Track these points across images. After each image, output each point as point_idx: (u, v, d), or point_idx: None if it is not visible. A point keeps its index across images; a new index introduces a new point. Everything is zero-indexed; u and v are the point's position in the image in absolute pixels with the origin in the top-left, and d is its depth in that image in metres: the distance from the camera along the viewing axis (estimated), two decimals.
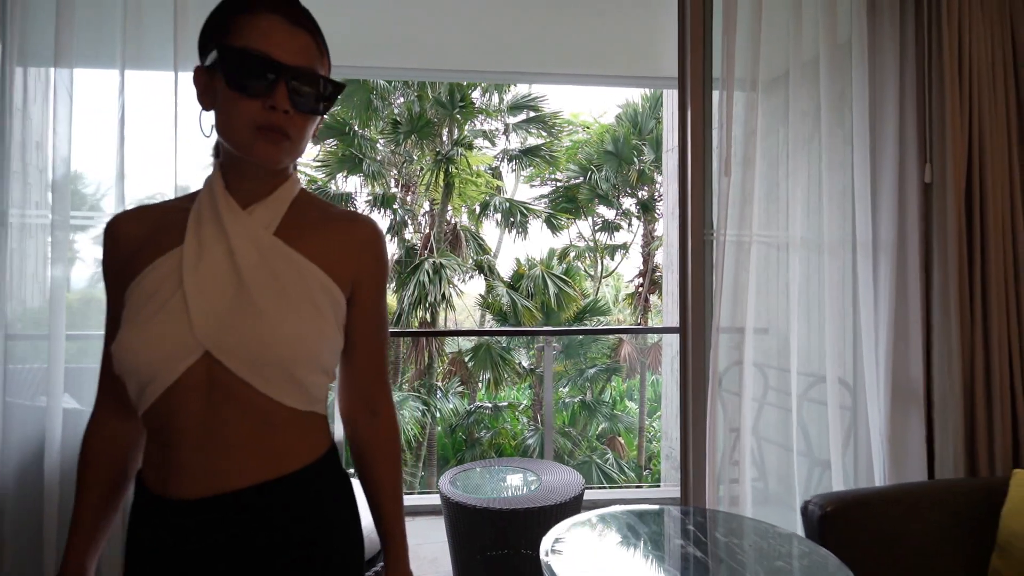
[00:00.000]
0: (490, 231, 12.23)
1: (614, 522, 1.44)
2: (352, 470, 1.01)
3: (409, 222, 10.97)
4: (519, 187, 13.48)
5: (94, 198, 1.56)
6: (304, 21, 0.79)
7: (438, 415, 9.55)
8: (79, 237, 1.52)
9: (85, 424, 0.86)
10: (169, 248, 0.78)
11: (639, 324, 12.31)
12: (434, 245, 10.41)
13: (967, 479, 1.68)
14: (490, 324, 11.03)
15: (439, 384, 9.95)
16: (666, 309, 8.75)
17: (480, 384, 10.30)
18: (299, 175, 0.89)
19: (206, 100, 0.80)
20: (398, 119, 10.35)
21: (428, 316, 9.70)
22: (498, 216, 11.35)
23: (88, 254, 1.55)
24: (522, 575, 2.40)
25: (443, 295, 9.56)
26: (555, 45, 3.24)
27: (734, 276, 1.75)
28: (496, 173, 11.85)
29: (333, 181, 10.58)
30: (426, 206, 11.19)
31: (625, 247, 12.98)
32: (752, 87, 1.79)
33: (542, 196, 12.45)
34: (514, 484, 2.65)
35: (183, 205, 0.82)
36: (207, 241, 0.78)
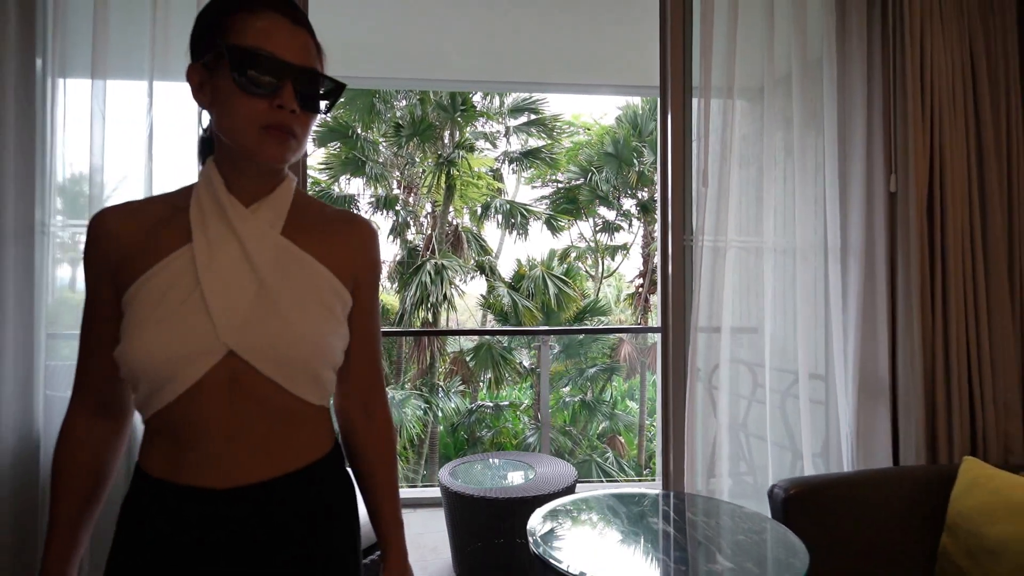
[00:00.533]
0: (491, 232, 12.36)
1: (596, 503, 1.57)
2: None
3: (411, 223, 11.12)
4: (520, 188, 13.62)
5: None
6: (303, 20, 0.80)
7: (440, 414, 9.69)
8: None
9: None
10: (174, 247, 0.77)
11: (639, 324, 12.43)
12: (436, 246, 10.55)
13: (925, 466, 1.81)
14: (491, 324, 11.16)
15: (441, 383, 10.09)
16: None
17: (481, 384, 10.43)
18: (307, 177, 0.98)
19: (202, 98, 0.80)
20: (400, 122, 10.50)
21: (430, 316, 9.84)
22: (499, 217, 11.50)
23: None
24: (517, 562, 2.54)
25: (445, 295, 9.70)
26: (552, 56, 3.38)
27: (711, 279, 1.88)
28: (497, 175, 11.98)
29: (336, 183, 10.74)
30: (428, 207, 11.33)
31: (625, 248, 13.10)
32: (729, 100, 1.92)
33: (543, 197, 12.58)
34: (510, 476, 2.78)
35: (174, 203, 0.81)
36: (216, 240, 0.77)
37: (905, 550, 1.60)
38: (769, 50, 1.96)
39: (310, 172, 10.73)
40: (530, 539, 1.32)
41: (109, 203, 1.58)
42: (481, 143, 11.51)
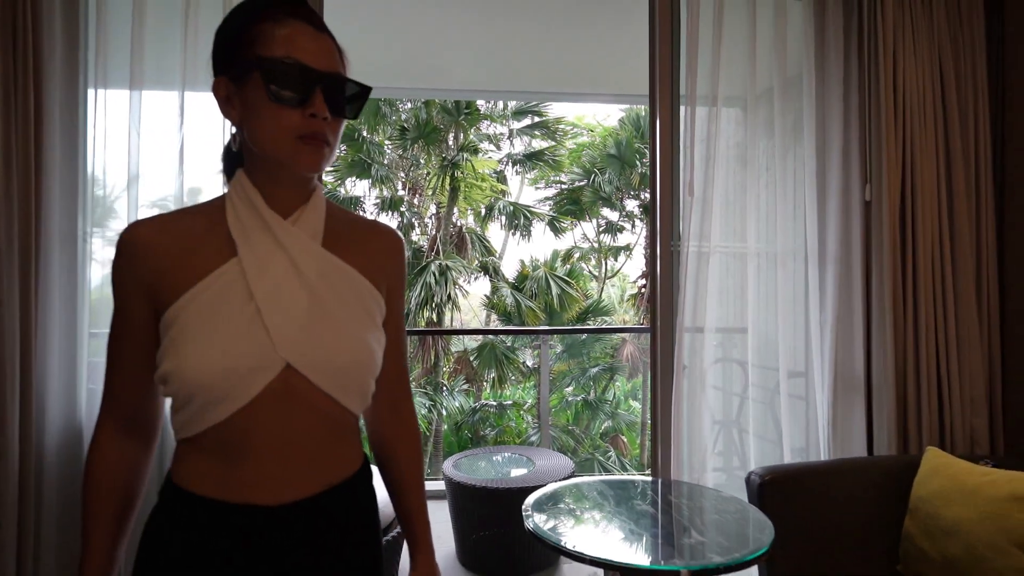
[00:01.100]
0: (495, 233, 12.52)
1: (588, 488, 1.72)
2: None
3: (416, 224, 11.28)
4: (524, 190, 13.76)
5: (161, 209, 1.81)
6: (324, 26, 0.81)
7: (444, 413, 9.84)
8: None
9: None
10: (218, 262, 0.76)
11: (642, 324, 12.55)
12: (440, 247, 10.71)
13: (894, 455, 1.94)
14: (495, 324, 11.31)
15: (445, 382, 10.25)
16: None
17: (485, 383, 10.58)
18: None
19: (231, 111, 0.80)
20: (405, 125, 10.66)
21: (434, 316, 10.00)
22: (503, 219, 11.65)
23: None
24: (517, 551, 2.68)
25: (449, 296, 9.86)
26: (551, 66, 3.53)
27: (696, 282, 2.02)
28: (501, 177, 12.13)
29: (343, 185, 10.91)
30: (432, 209, 11.50)
31: (628, 248, 13.22)
32: (714, 109, 2.05)
33: (546, 198, 12.72)
34: (511, 467, 2.93)
35: (205, 215, 0.80)
36: (264, 254, 0.77)
37: (873, 532, 1.74)
38: (752, 66, 2.09)
39: None
40: (525, 516, 1.46)
41: (144, 210, 1.73)
42: (485, 145, 11.67)
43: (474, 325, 12.91)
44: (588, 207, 12.50)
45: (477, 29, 3.11)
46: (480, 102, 11.04)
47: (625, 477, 1.84)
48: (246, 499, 0.75)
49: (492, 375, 10.12)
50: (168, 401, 0.81)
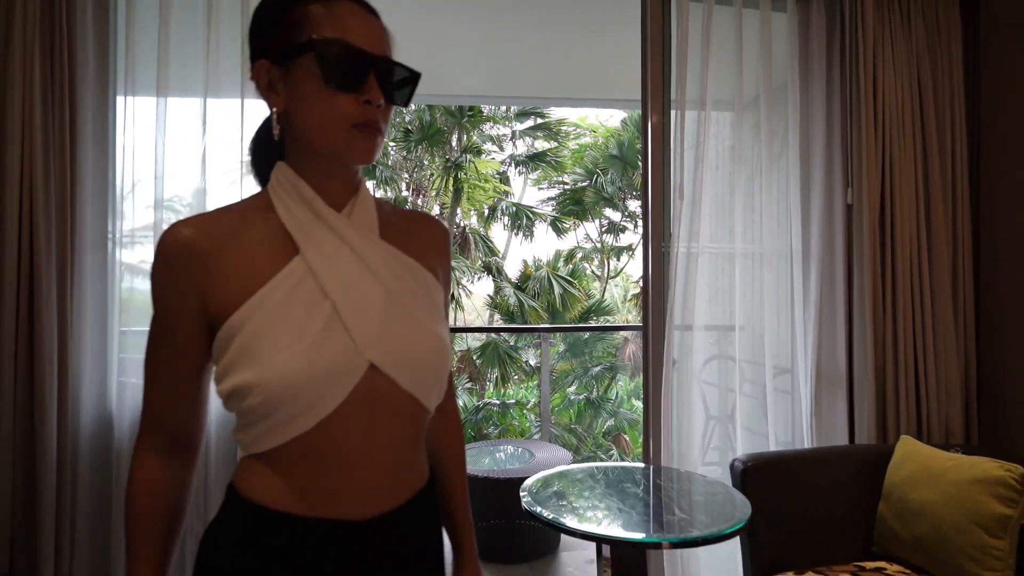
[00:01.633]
0: (498, 234, 12.64)
1: (582, 473, 1.84)
2: None
3: None
4: (527, 190, 13.89)
5: (186, 213, 1.92)
6: (372, 7, 0.75)
7: None
8: None
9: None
10: (280, 262, 0.71)
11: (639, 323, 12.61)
12: None
13: (871, 444, 2.05)
14: (498, 324, 11.43)
15: None
16: None
17: (488, 382, 10.70)
18: None
19: (274, 98, 0.74)
20: (409, 127, 10.80)
21: None
22: (506, 219, 11.78)
23: None
24: (517, 540, 2.81)
25: (452, 295, 9.99)
26: (550, 72, 3.65)
27: (685, 282, 2.13)
28: (504, 178, 12.26)
29: None
30: (436, 210, 11.63)
31: (631, 248, 13.33)
32: (703, 113, 2.16)
33: (549, 199, 12.84)
34: (512, 460, 3.05)
35: (250, 212, 0.75)
36: (327, 250, 0.72)
37: (851, 516, 1.85)
38: (739, 74, 2.20)
39: None
40: (522, 497, 1.58)
41: (169, 211, 1.85)
42: (488, 146, 11.81)
43: (478, 324, 13.04)
44: (590, 207, 12.61)
45: (479, 38, 3.23)
46: (483, 104, 11.17)
47: (617, 464, 1.96)
48: (331, 514, 0.70)
49: (495, 374, 10.24)
50: (210, 414, 0.78)
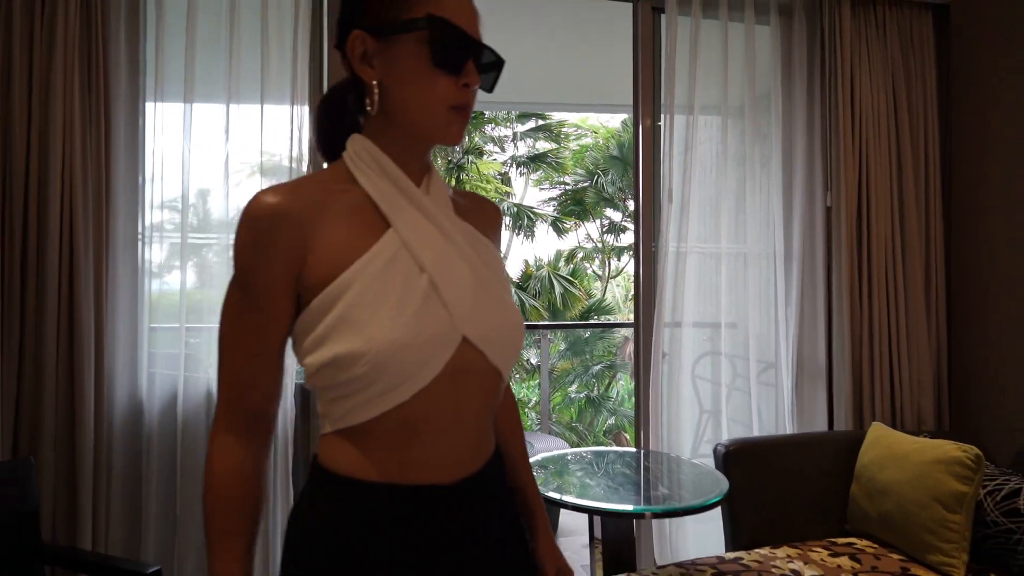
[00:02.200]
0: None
1: (577, 456, 1.98)
2: None
3: None
4: (528, 191, 14.03)
5: (208, 216, 2.04)
6: None
7: None
8: (198, 250, 2.03)
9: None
10: (373, 233, 0.71)
11: None
12: None
13: (847, 431, 2.19)
14: None
15: None
16: None
17: None
18: None
19: (367, 71, 0.73)
20: None
21: None
22: (507, 219, 11.93)
23: (202, 263, 2.04)
24: None
25: None
26: (548, 79, 3.79)
27: (674, 281, 2.27)
28: (505, 179, 12.40)
29: None
30: None
31: (631, 248, 13.43)
32: (691, 117, 2.30)
33: (550, 199, 12.98)
34: None
35: (331, 184, 0.74)
36: (416, 225, 0.73)
37: (827, 496, 1.99)
38: (725, 84, 2.34)
39: None
40: None
41: (200, 213, 1.98)
42: (490, 147, 11.95)
43: None
44: (591, 207, 12.74)
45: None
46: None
47: (609, 448, 2.11)
48: (421, 480, 0.72)
49: None
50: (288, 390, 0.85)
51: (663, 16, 2.32)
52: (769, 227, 2.40)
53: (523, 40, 3.24)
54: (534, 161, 12.03)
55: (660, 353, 2.27)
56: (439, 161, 11.39)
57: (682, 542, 2.22)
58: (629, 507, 1.50)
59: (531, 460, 1.93)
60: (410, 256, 0.71)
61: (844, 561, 1.72)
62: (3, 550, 1.47)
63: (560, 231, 12.29)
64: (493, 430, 0.82)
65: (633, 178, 2.44)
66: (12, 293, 1.70)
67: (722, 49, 2.33)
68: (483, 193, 10.11)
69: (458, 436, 0.74)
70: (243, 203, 0.72)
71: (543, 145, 12.19)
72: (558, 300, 10.84)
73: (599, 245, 13.46)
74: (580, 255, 13.25)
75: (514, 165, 12.19)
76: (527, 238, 11.98)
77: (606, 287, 13.76)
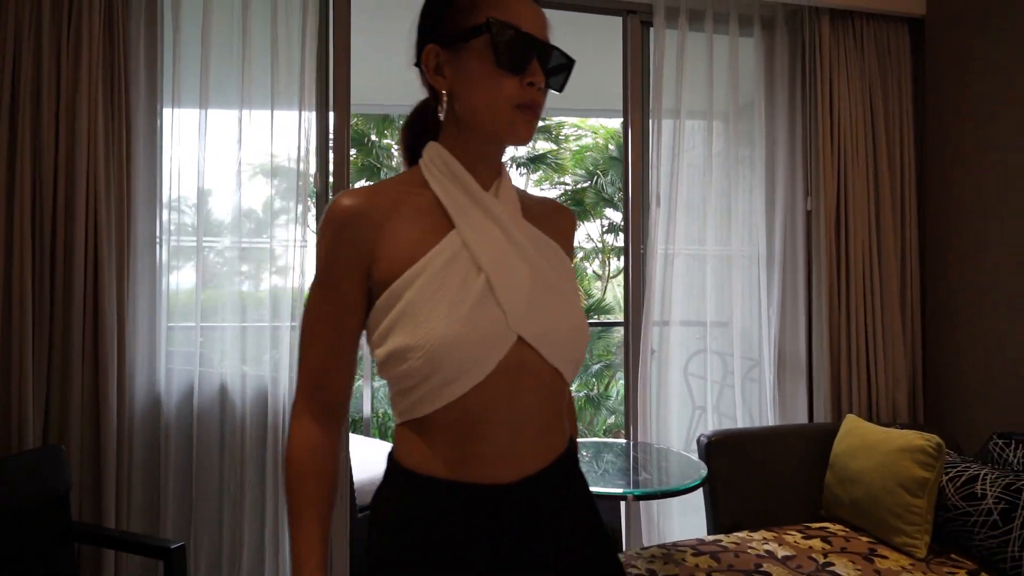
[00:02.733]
0: None
1: None
2: None
3: None
4: (529, 191, 14.09)
5: (218, 220, 2.12)
6: None
7: None
8: (211, 252, 2.12)
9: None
10: (437, 234, 0.75)
11: None
12: None
13: (824, 423, 2.31)
14: None
15: None
16: None
17: None
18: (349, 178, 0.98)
19: (440, 81, 0.78)
20: None
21: None
22: None
23: (212, 264, 2.13)
24: None
25: None
26: None
27: (662, 281, 2.39)
28: None
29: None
30: None
31: None
32: (678, 122, 2.42)
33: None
34: None
35: (405, 187, 0.79)
36: (480, 227, 0.76)
37: (803, 484, 2.11)
38: (710, 95, 2.46)
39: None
40: None
41: (214, 216, 2.10)
42: None
43: None
44: (591, 208, 12.84)
45: None
46: None
47: (599, 439, 2.23)
48: (483, 478, 0.74)
49: None
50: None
51: (651, 29, 2.44)
52: (752, 230, 2.52)
53: None
54: (534, 162, 12.14)
55: (649, 350, 2.39)
56: None
57: (668, 529, 2.34)
58: (613, 490, 1.62)
59: None
60: (470, 256, 0.75)
61: (816, 543, 1.84)
62: (37, 528, 1.60)
63: None
64: (564, 428, 0.84)
65: (623, 181, 2.57)
66: (43, 294, 1.82)
67: (707, 60, 2.45)
68: None
69: (518, 433, 0.76)
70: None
71: (543, 145, 12.30)
72: None
73: (599, 245, 13.57)
74: (580, 255, 13.36)
75: (514, 166, 12.29)
76: None
77: (606, 287, 13.86)
